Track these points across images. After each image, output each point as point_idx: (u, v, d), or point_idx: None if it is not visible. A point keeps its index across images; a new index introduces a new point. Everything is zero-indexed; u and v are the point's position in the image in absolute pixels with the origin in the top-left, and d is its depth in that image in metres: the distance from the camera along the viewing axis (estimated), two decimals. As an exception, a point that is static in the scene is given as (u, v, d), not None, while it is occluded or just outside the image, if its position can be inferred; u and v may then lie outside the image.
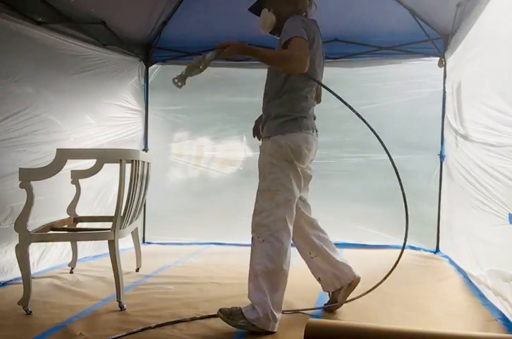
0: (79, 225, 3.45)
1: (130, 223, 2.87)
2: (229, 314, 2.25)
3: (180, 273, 3.46)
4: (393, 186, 4.70)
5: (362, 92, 4.56)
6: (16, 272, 3.14)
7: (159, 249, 4.52)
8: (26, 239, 2.50)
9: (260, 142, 2.49)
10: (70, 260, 3.49)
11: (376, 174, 4.48)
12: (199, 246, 4.55)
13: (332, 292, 2.57)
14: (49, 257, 3.54)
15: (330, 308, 2.54)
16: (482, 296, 2.76)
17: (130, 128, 4.55)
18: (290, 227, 2.32)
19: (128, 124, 4.52)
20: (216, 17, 4.41)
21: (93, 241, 3.88)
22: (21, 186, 2.49)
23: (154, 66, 4.81)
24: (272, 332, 2.20)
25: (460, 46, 3.63)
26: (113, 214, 2.62)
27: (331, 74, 4.67)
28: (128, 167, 2.62)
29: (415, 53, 4.39)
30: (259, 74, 4.74)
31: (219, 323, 2.32)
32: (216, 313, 2.33)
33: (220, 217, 4.72)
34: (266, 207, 2.28)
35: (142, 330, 2.22)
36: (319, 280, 2.59)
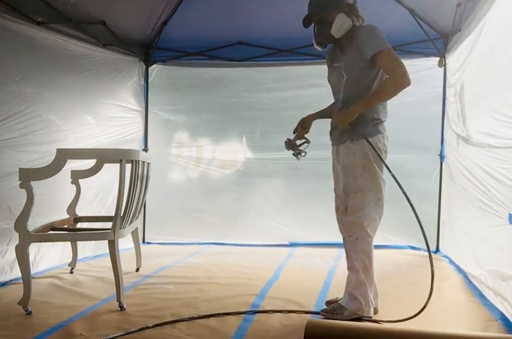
0: (79, 225, 3.45)
1: (130, 223, 2.87)
2: (333, 311, 2.41)
3: (180, 273, 3.46)
4: (392, 186, 4.69)
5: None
6: (16, 273, 3.14)
7: (159, 249, 4.52)
8: (26, 239, 2.50)
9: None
10: (70, 260, 3.49)
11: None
12: (199, 246, 4.55)
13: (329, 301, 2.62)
14: (48, 257, 3.54)
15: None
16: (482, 296, 2.76)
17: (130, 128, 4.55)
18: (378, 225, 2.53)
19: (127, 124, 4.52)
20: (216, 17, 4.42)
21: (93, 241, 3.89)
22: (21, 186, 2.49)
23: (154, 66, 4.81)
24: (369, 317, 2.38)
25: (461, 47, 3.63)
26: (113, 214, 2.62)
27: (331, 74, 4.71)
28: (128, 167, 2.62)
29: (415, 53, 4.39)
30: (259, 74, 4.77)
31: (219, 323, 2.33)
32: (215, 312, 2.36)
33: (220, 217, 4.72)
34: (360, 206, 2.41)
35: (140, 329, 2.22)
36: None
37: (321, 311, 2.45)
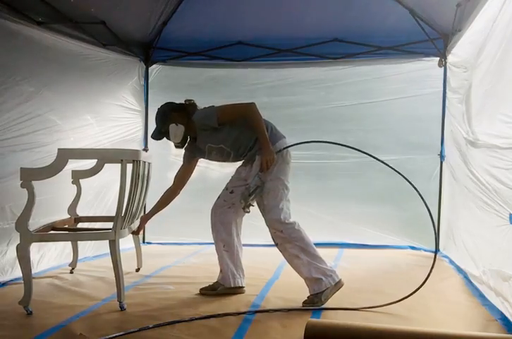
0: (80, 225, 3.45)
1: (131, 223, 2.87)
2: (313, 302, 2.61)
3: (180, 273, 3.46)
4: (392, 186, 4.72)
5: (362, 92, 4.56)
6: (16, 272, 3.15)
7: (159, 249, 4.52)
8: (27, 238, 2.49)
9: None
10: (70, 260, 3.49)
11: (376, 174, 4.48)
12: (199, 246, 4.55)
13: (216, 282, 2.94)
14: (48, 257, 3.54)
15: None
16: (482, 296, 2.76)
17: (130, 128, 4.55)
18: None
19: (128, 124, 4.52)
20: (216, 17, 4.42)
21: (93, 241, 3.89)
22: (22, 185, 2.48)
23: (154, 66, 4.81)
24: (341, 285, 2.65)
25: (464, 47, 3.62)
26: (113, 214, 2.62)
27: (331, 74, 4.70)
28: (129, 166, 2.62)
29: (415, 53, 4.39)
30: (258, 75, 4.77)
31: (219, 323, 2.33)
32: (215, 313, 2.37)
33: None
34: (274, 204, 2.75)
35: (140, 330, 2.22)
36: (220, 271, 2.95)
37: (302, 302, 2.63)
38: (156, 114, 2.95)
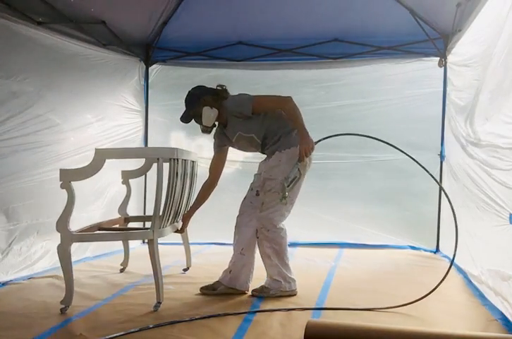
0: (130, 225, 3.48)
1: (172, 222, 2.86)
2: (261, 290, 2.81)
3: (180, 273, 3.46)
4: (393, 186, 4.73)
5: (362, 92, 4.56)
6: (16, 273, 3.15)
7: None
8: (67, 238, 2.50)
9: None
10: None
11: (376, 174, 4.48)
12: (200, 246, 4.55)
13: (217, 282, 2.92)
14: (49, 257, 3.53)
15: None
16: (482, 296, 2.76)
17: (130, 128, 4.55)
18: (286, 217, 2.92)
19: (128, 124, 4.52)
20: (215, 17, 4.42)
21: (93, 242, 3.88)
22: (62, 186, 2.49)
23: (154, 66, 4.81)
24: (294, 294, 2.80)
25: (465, 47, 3.62)
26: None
27: (331, 74, 4.71)
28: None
29: (415, 53, 4.39)
30: (259, 74, 4.77)
31: (219, 323, 2.33)
32: (215, 313, 2.39)
33: (220, 217, 4.71)
34: (273, 204, 2.79)
35: (140, 330, 2.22)
36: (229, 271, 2.90)
37: (252, 290, 2.82)
38: (188, 96, 2.94)
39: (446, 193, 2.63)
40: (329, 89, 4.63)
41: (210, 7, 4.33)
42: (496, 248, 2.57)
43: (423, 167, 2.63)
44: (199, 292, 2.91)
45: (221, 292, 2.86)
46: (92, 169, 2.52)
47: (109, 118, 4.26)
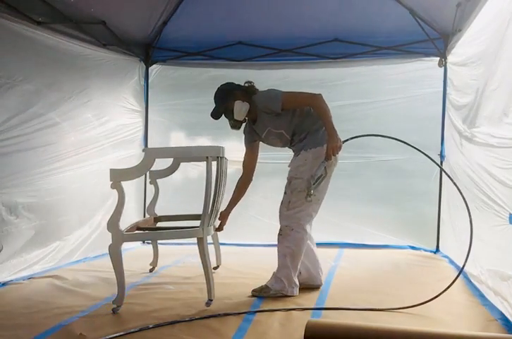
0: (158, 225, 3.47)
1: (215, 220, 2.89)
2: (261, 290, 2.79)
3: (180, 273, 3.46)
4: (392, 186, 4.72)
5: (362, 92, 4.56)
6: (16, 273, 3.15)
7: (159, 249, 4.51)
8: (119, 238, 2.51)
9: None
10: (70, 260, 3.49)
11: (376, 174, 4.48)
12: (199, 246, 4.54)
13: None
14: (48, 257, 3.54)
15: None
16: (482, 296, 2.76)
17: (130, 128, 4.55)
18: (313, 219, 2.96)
19: (128, 124, 4.52)
20: (216, 17, 4.42)
21: (93, 242, 3.89)
22: (112, 186, 2.49)
23: (154, 66, 4.81)
24: (291, 296, 2.76)
25: (463, 46, 3.62)
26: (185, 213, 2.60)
27: (331, 74, 4.70)
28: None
29: (415, 53, 4.39)
30: (259, 74, 4.76)
31: (219, 323, 2.33)
32: (215, 313, 2.39)
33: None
34: (300, 203, 2.79)
35: (140, 330, 2.22)
36: (299, 273, 2.89)
37: (252, 290, 2.79)
38: (218, 92, 2.95)
39: (459, 190, 2.62)
40: (329, 89, 4.61)
41: (210, 7, 4.33)
42: (496, 248, 2.57)
43: (440, 167, 2.61)
44: (198, 291, 2.90)
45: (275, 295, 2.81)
46: (142, 168, 2.54)
47: (109, 118, 4.26)
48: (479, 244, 2.91)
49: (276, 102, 2.75)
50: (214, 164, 2.69)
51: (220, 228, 3.19)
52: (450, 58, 4.16)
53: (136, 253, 3.60)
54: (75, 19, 3.71)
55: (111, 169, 2.50)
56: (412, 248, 4.40)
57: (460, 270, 2.63)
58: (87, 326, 2.27)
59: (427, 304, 2.55)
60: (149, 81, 4.80)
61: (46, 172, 3.46)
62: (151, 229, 3.09)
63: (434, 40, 4.17)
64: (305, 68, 4.65)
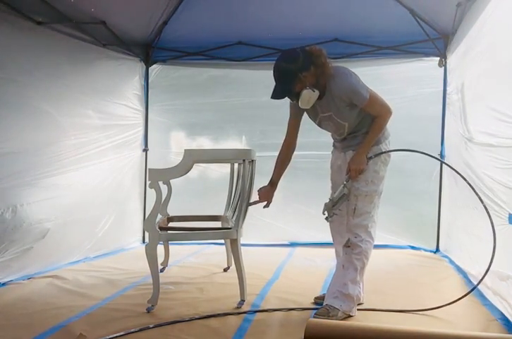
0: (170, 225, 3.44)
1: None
2: (328, 313, 2.37)
3: (180, 273, 3.46)
4: (392, 185, 4.70)
5: (362, 92, 4.56)
6: (16, 273, 3.15)
7: (159, 249, 4.50)
8: (155, 238, 2.53)
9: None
10: (70, 260, 3.49)
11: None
12: (199, 246, 4.55)
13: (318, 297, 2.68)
14: (49, 257, 3.53)
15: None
16: (482, 296, 2.76)
17: (130, 128, 4.55)
18: None
19: (128, 124, 4.52)
20: (215, 17, 4.41)
21: (93, 242, 3.89)
22: (150, 186, 2.50)
23: (154, 66, 4.81)
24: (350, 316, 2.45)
25: (461, 46, 3.62)
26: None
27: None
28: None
29: (415, 53, 4.39)
30: (258, 74, 4.77)
31: (219, 323, 2.33)
32: (215, 313, 2.38)
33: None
34: (367, 209, 2.55)
35: (140, 330, 2.22)
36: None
37: (315, 314, 2.39)
38: (279, 71, 2.64)
39: (470, 185, 2.60)
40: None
41: (210, 7, 4.33)
42: (496, 249, 2.56)
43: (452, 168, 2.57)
44: (198, 291, 2.91)
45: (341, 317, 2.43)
46: (181, 169, 2.53)
47: (109, 118, 4.26)
48: (479, 243, 2.91)
49: (362, 97, 2.47)
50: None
51: (267, 205, 2.78)
52: (450, 58, 4.16)
53: (135, 253, 3.60)
54: (75, 19, 3.71)
55: (149, 169, 2.52)
56: (412, 248, 4.40)
57: (480, 280, 2.58)
58: (87, 326, 2.27)
59: (427, 304, 2.56)
60: (149, 81, 4.80)
61: (46, 172, 3.46)
62: (186, 229, 3.07)
63: (434, 40, 4.17)
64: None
